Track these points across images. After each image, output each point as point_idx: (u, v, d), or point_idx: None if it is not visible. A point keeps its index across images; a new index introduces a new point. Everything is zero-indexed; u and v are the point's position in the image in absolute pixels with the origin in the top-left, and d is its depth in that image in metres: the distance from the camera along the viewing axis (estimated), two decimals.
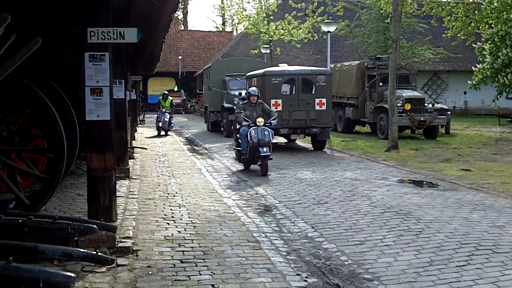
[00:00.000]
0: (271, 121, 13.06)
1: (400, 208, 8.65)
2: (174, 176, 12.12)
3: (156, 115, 25.07)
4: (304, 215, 8.50)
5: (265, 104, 13.89)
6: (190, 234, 7.14)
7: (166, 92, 26.19)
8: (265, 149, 12.27)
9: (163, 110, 24.24)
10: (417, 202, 9.22)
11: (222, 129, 23.59)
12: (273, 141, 19.78)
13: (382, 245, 6.74)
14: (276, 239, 7.11)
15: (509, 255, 6.19)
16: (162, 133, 23.72)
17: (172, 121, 24.84)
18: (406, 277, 5.65)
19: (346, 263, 6.17)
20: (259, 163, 12.52)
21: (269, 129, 12.66)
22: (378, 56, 23.16)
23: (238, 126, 13.40)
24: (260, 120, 12.65)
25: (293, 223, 8.08)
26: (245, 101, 13.73)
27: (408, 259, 6.20)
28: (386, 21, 29.50)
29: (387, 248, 6.64)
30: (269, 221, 8.21)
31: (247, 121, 12.86)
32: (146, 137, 22.60)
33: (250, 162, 12.99)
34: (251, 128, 12.58)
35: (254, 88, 13.98)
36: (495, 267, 5.82)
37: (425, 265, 5.96)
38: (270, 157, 12.50)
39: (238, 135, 13.33)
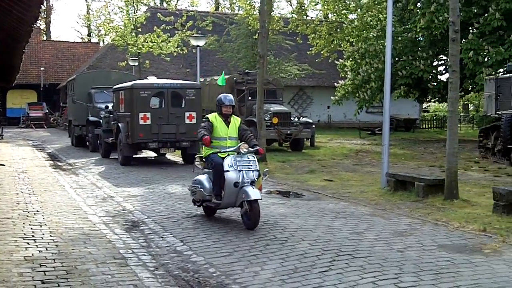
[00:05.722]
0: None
1: (268, 218, 8.86)
2: (35, 194, 11.49)
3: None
4: (173, 229, 8.43)
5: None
6: (52, 253, 6.80)
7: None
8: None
9: (243, 150, 8.74)
10: (283, 212, 9.51)
11: (87, 143, 22.74)
12: (142, 155, 19.69)
13: (250, 255, 6.85)
14: (144, 255, 6.99)
15: (368, 260, 6.54)
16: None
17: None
18: (272, 285, 5.78)
19: (215, 274, 6.20)
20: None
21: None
22: (246, 71, 23.64)
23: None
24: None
25: (162, 237, 7.98)
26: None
27: (274, 267, 6.35)
28: (254, 37, 30.21)
29: (254, 258, 6.76)
30: (137, 237, 8.05)
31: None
32: None
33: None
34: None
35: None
36: (354, 271, 6.12)
37: (290, 273, 6.14)
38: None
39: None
